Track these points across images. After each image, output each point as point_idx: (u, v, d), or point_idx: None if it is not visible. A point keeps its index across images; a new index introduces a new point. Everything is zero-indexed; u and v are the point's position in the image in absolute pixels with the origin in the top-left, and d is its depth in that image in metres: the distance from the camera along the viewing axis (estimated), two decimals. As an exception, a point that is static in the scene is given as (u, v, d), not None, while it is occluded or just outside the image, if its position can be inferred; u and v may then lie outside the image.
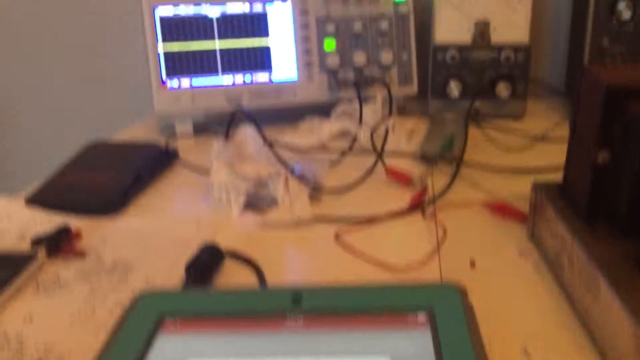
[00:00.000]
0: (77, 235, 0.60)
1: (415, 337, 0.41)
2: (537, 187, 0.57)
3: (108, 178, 0.70)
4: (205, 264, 0.52)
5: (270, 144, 0.67)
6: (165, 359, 0.40)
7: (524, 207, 0.63)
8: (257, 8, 0.92)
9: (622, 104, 0.44)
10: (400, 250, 0.58)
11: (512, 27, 0.92)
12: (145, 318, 0.44)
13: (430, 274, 0.53)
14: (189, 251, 0.55)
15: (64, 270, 0.56)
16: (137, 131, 0.98)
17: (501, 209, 0.64)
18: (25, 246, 0.58)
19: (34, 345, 0.45)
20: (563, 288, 0.50)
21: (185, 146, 0.90)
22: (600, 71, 0.47)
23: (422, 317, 0.43)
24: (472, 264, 0.55)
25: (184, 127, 0.93)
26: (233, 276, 0.55)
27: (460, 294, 0.45)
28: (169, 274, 0.54)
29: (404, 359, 0.39)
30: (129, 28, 1.15)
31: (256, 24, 0.92)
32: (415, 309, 0.43)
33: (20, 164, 1.28)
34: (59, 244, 0.58)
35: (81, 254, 0.58)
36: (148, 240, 0.61)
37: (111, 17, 1.17)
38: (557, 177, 0.73)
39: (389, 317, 0.43)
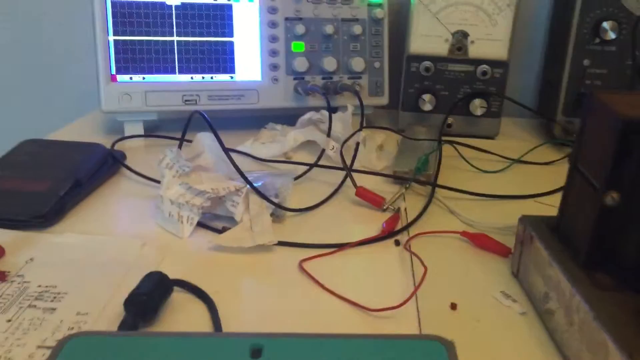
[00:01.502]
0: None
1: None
2: (526, 222, 0.52)
3: (41, 183, 0.61)
4: (149, 297, 0.44)
5: (229, 155, 0.60)
6: None
7: (504, 238, 0.58)
8: (222, 0, 0.84)
9: (637, 145, 0.39)
10: (372, 284, 0.52)
11: (491, 41, 0.88)
12: (72, 369, 0.36)
13: (407, 318, 0.47)
14: (131, 277, 0.48)
15: (-21, 296, 0.47)
16: (81, 130, 0.88)
17: (481, 241, 0.58)
18: None
19: None
20: (555, 340, 0.45)
21: (135, 149, 0.81)
22: (612, 100, 0.42)
23: (403, 379, 0.36)
24: (453, 307, 0.49)
25: (134, 129, 0.85)
26: (181, 309, 0.47)
27: (447, 349, 0.38)
28: (106, 306, 0.46)
29: None
30: (78, 13, 1.05)
31: (219, 18, 0.84)
32: (396, 368, 0.37)
33: None
34: (-25, 263, 0.49)
35: (2, 277, 0.49)
36: (84, 261, 0.52)
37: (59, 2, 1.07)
38: (539, 206, 0.69)
39: (366, 377, 0.37)
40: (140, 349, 0.38)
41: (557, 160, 0.82)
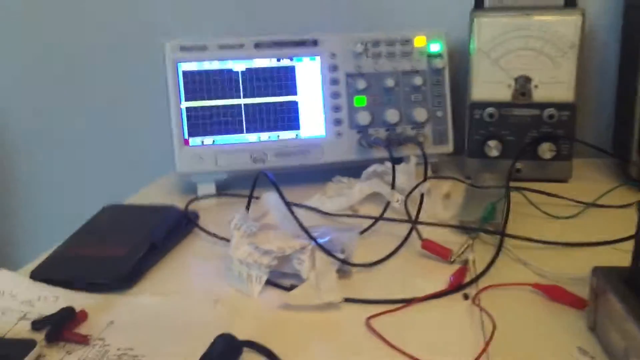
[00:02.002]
0: (83, 316, 0.55)
1: None
2: (599, 273, 0.50)
3: (121, 248, 0.65)
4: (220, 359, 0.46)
5: (294, 214, 0.61)
6: None
7: (580, 289, 0.56)
8: (285, 62, 0.88)
9: None
10: (441, 340, 0.52)
11: (555, 84, 0.86)
12: None
13: (477, 376, 0.46)
14: (205, 338, 0.49)
15: (64, 360, 0.50)
16: (156, 192, 0.93)
17: (555, 293, 0.57)
18: (26, 328, 0.53)
19: None
20: (636, 400, 0.42)
21: (208, 208, 0.85)
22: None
23: None
24: (526, 365, 0.47)
25: (207, 188, 0.88)
26: (251, 371, 0.48)
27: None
28: (181, 367, 0.48)
29: None
30: (152, 83, 1.12)
31: (284, 79, 0.88)
32: None
33: (37, 230, 1.25)
34: (61, 327, 0.52)
35: (84, 341, 0.52)
36: (159, 323, 0.55)
37: (135, 72, 1.14)
38: (616, 253, 0.66)
39: None
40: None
41: (634, 202, 0.79)
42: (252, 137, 0.88)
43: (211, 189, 0.89)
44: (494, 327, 0.51)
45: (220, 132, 0.86)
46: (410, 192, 0.75)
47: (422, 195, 0.74)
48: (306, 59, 0.88)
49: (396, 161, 0.84)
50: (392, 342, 0.51)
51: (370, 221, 0.75)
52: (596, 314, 0.51)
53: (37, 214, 1.25)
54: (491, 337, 0.49)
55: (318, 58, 0.89)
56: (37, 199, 1.24)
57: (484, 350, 0.48)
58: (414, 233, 0.70)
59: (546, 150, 0.88)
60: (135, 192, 0.92)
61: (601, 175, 0.93)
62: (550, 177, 0.89)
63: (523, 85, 0.87)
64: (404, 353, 0.49)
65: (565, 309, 0.55)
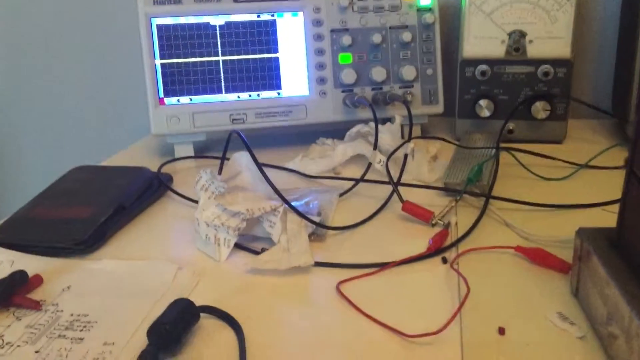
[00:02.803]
0: (37, 280, 0.52)
1: None
2: (583, 236, 0.47)
3: (85, 209, 0.62)
4: (173, 326, 0.43)
5: (264, 173, 0.58)
6: None
7: (566, 252, 0.53)
8: (266, 17, 0.83)
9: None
10: (414, 307, 0.48)
11: (551, 39, 0.82)
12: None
13: (449, 344, 0.43)
14: (162, 305, 0.46)
15: (13, 326, 0.47)
16: (134, 155, 0.90)
17: (538, 257, 0.53)
18: (-23, 293, 0.50)
19: None
20: (618, 369, 0.39)
21: (185, 171, 0.81)
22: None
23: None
24: (502, 332, 0.44)
25: (184, 150, 0.85)
26: (209, 338, 0.45)
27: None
28: (133, 336, 0.45)
29: None
30: (130, 41, 1.08)
31: (264, 35, 0.83)
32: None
33: (10, 193, 1.22)
34: (11, 292, 0.49)
35: (36, 307, 0.49)
36: (118, 288, 0.52)
37: (111, 29, 1.10)
38: (606, 215, 0.62)
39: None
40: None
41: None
42: (232, 96, 0.84)
43: (189, 150, 0.85)
44: (468, 291, 0.47)
45: (197, 91, 0.82)
46: (393, 153, 0.71)
47: (405, 156, 0.70)
48: (288, 14, 0.84)
49: (383, 122, 0.80)
50: (361, 308, 0.48)
51: (352, 183, 0.71)
52: (579, 278, 0.47)
53: (12, 176, 1.22)
54: (463, 302, 0.46)
55: (301, 13, 0.84)
56: (11, 160, 1.21)
57: (453, 316, 0.44)
58: (395, 195, 0.66)
59: (540, 109, 0.83)
60: (112, 156, 0.89)
61: (598, 136, 0.89)
62: (544, 137, 0.85)
63: (517, 40, 0.83)
64: (372, 319, 0.46)
65: (548, 273, 0.52)
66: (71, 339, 0.45)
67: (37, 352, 0.44)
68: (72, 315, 0.48)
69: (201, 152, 0.87)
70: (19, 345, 0.45)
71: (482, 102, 0.85)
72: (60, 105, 1.16)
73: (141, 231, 0.64)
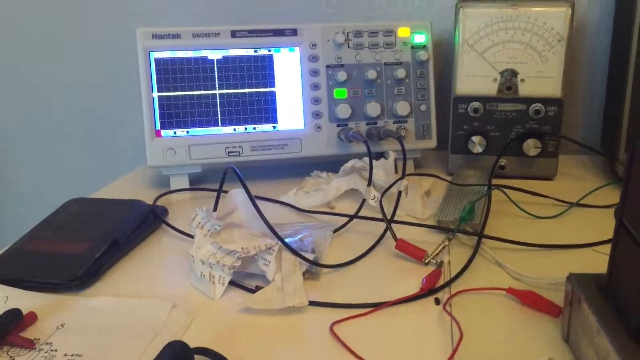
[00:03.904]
0: (30, 318, 0.52)
1: None
2: (574, 280, 0.47)
3: (79, 245, 0.62)
4: (167, 370, 0.43)
5: (261, 212, 0.59)
6: None
7: (557, 295, 0.53)
8: (263, 52, 0.85)
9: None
10: (407, 349, 0.49)
11: (542, 78, 0.83)
12: None
13: (441, 390, 0.44)
14: (157, 344, 0.47)
15: (7, 366, 0.47)
16: (128, 186, 0.90)
17: (529, 299, 0.54)
18: (-30, 331, 0.50)
19: None
20: (608, 418, 0.40)
21: (180, 203, 0.82)
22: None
23: None
24: (494, 377, 0.45)
25: (180, 182, 0.85)
26: (204, 380, 0.46)
27: None
28: (128, 376, 0.45)
29: None
30: (127, 73, 1.09)
31: (261, 69, 0.85)
32: None
33: (3, 226, 1.22)
34: (6, 331, 0.49)
35: (30, 345, 0.49)
36: (113, 326, 0.52)
37: (110, 61, 1.11)
38: (597, 256, 0.63)
39: None
40: None
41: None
42: (228, 129, 0.84)
43: (184, 182, 0.86)
44: (461, 336, 0.48)
45: (194, 124, 0.83)
46: (387, 190, 0.72)
47: (399, 193, 0.71)
48: (285, 50, 0.85)
49: (377, 157, 0.81)
50: (354, 350, 0.48)
51: (346, 219, 0.72)
52: (570, 324, 0.48)
53: (4, 208, 1.22)
54: (457, 347, 0.46)
55: (297, 49, 0.86)
56: (6, 188, 1.21)
57: (452, 355, 0.45)
58: (388, 233, 0.67)
59: (531, 146, 0.85)
60: (105, 186, 0.89)
61: (588, 173, 0.90)
62: (535, 174, 0.86)
63: (509, 79, 0.84)
64: (365, 362, 0.47)
65: (539, 316, 0.53)
66: (65, 380, 0.45)
67: (30, 393, 0.44)
68: (65, 355, 0.48)
69: (196, 183, 0.88)
70: (12, 387, 0.45)
71: (475, 139, 0.86)
72: (56, 133, 1.16)
73: (136, 266, 0.64)
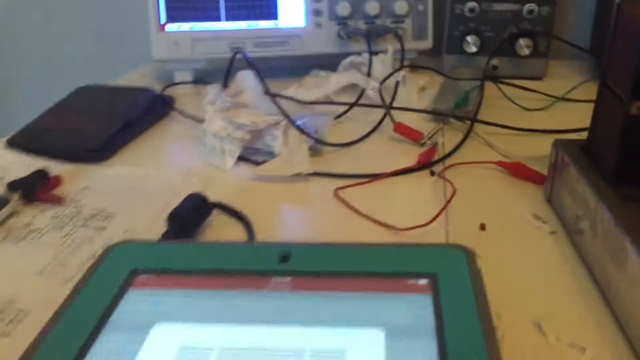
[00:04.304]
0: (57, 181, 0.56)
1: (415, 304, 0.36)
2: (559, 145, 0.52)
3: (95, 123, 0.65)
4: (189, 214, 0.48)
5: (270, 91, 0.62)
6: (130, 321, 0.36)
7: (541, 168, 0.58)
8: (264, -51, 0.86)
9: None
10: (404, 210, 0.54)
11: (537, -22, 0.85)
12: (115, 271, 0.40)
13: (436, 237, 0.49)
14: (175, 202, 0.51)
15: (39, 217, 0.51)
16: (133, 80, 0.93)
17: (516, 169, 0.59)
18: (1, 189, 0.54)
19: (-4, 296, 0.41)
20: (582, 257, 0.45)
21: (184, 96, 0.85)
22: (638, 11, 0.41)
23: (423, 281, 0.38)
24: (482, 228, 0.50)
25: (183, 76, 0.88)
26: (220, 230, 0.50)
27: (468, 257, 0.40)
28: (151, 225, 0.50)
29: (400, 332, 0.34)
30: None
31: (262, -33, 0.86)
32: (416, 272, 0.39)
33: (15, 109, 1.24)
34: (35, 189, 0.53)
35: (58, 201, 0.53)
36: (132, 189, 0.56)
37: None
38: (580, 138, 0.68)
39: (386, 281, 0.38)
40: (179, 254, 0.42)
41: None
42: (230, 25, 0.86)
43: (188, 77, 0.88)
44: (454, 191, 0.53)
45: (197, 19, 0.85)
46: (386, 79, 0.75)
47: (397, 83, 0.75)
48: (286, -55, 0.86)
49: (374, 54, 0.84)
50: (356, 208, 0.53)
51: (345, 109, 0.76)
52: (553, 186, 0.53)
53: (8, 103, 1.24)
54: (450, 199, 0.51)
55: (298, -55, 0.87)
56: (10, 80, 1.23)
57: (441, 210, 0.50)
58: (387, 121, 0.71)
59: (523, 46, 0.88)
60: (114, 79, 0.92)
61: (577, 74, 0.94)
62: (526, 74, 0.90)
63: (505, -22, 0.86)
64: (367, 217, 0.52)
65: (526, 184, 0.58)
66: (94, 227, 0.50)
67: (64, 236, 0.48)
68: (92, 209, 0.53)
69: (198, 79, 0.90)
70: (47, 232, 0.49)
71: (470, 38, 0.89)
72: (58, 29, 1.17)
73: (148, 146, 0.68)
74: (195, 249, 0.43)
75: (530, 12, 0.87)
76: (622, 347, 0.36)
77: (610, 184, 0.43)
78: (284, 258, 0.40)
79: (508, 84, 0.81)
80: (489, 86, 0.81)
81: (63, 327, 0.35)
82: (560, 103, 0.79)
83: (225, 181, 0.59)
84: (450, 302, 0.36)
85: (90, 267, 0.40)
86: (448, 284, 0.38)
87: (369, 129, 0.71)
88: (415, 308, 0.36)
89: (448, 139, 0.68)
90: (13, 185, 0.54)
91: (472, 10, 0.88)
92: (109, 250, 0.42)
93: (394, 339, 0.34)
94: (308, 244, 0.43)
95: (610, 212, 0.40)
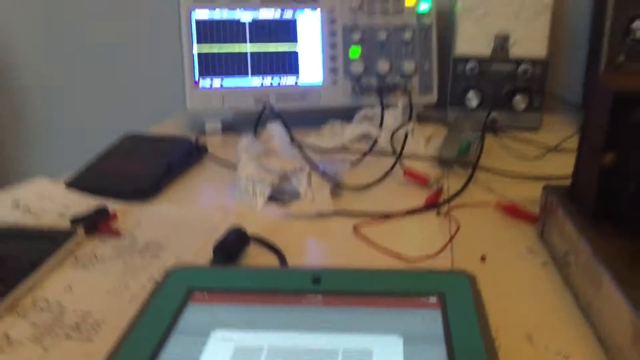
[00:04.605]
0: (113, 216, 0.65)
1: (426, 317, 0.44)
2: (548, 189, 0.60)
3: (142, 167, 0.74)
4: (232, 245, 0.56)
5: (295, 140, 0.71)
6: (193, 328, 0.43)
7: (535, 210, 0.66)
8: (288, 15, 0.96)
9: (629, 108, 0.48)
10: (414, 244, 0.62)
11: (530, 42, 0.96)
12: (175, 289, 0.48)
13: (442, 266, 0.57)
14: (216, 236, 0.59)
15: (101, 247, 0.60)
16: (168, 128, 1.02)
17: (512, 210, 0.67)
18: (65, 225, 0.63)
19: (73, 312, 0.49)
20: (568, 284, 0.53)
21: (214, 143, 0.94)
22: (611, 79, 0.50)
23: (433, 299, 0.46)
24: (483, 259, 0.58)
25: (214, 126, 0.98)
26: (257, 260, 0.58)
27: (470, 281, 0.48)
28: (198, 254, 0.58)
29: (415, 339, 0.42)
30: (165, 30, 1.21)
31: (286, 30, 0.96)
32: (427, 292, 0.47)
33: (57, 156, 1.34)
34: (96, 223, 0.62)
35: (117, 234, 0.62)
36: (178, 224, 0.65)
37: (147, 18, 1.22)
38: (568, 183, 0.76)
39: (402, 298, 0.46)
40: (227, 276, 0.50)
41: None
42: (256, 81, 0.97)
43: (217, 126, 0.98)
44: (458, 227, 0.61)
45: (227, 75, 0.95)
46: (396, 130, 0.84)
47: (406, 133, 0.84)
48: (307, 10, 0.97)
49: (386, 107, 0.93)
50: (374, 242, 0.61)
51: (360, 156, 0.85)
52: (544, 224, 0.61)
53: (49, 150, 1.34)
54: (455, 234, 0.60)
55: (318, 10, 0.98)
56: (48, 133, 1.33)
57: (446, 244, 0.58)
58: (397, 165, 0.80)
59: (519, 101, 0.97)
60: (149, 127, 1.01)
61: (568, 126, 1.03)
62: (522, 126, 0.99)
63: (501, 42, 0.97)
64: (382, 249, 0.60)
65: (521, 223, 0.66)
66: (149, 256, 0.58)
67: (124, 264, 0.57)
68: (146, 240, 0.61)
69: (226, 129, 1.00)
70: (109, 259, 0.57)
71: (471, 94, 0.99)
72: (100, 86, 1.28)
73: (187, 187, 0.77)
74: (241, 272, 0.51)
75: (525, 71, 0.97)
76: (600, 354, 0.44)
77: (590, 222, 0.52)
78: (316, 280, 0.48)
79: (506, 135, 0.91)
80: (489, 137, 0.90)
81: (138, 333, 0.43)
82: (552, 153, 0.88)
83: (257, 219, 0.68)
84: (456, 316, 0.44)
85: (154, 287, 0.48)
86: (454, 301, 0.46)
87: (381, 174, 0.79)
88: (427, 320, 0.44)
89: (452, 184, 0.77)
90: (76, 220, 0.62)
91: (472, 69, 0.98)
92: (168, 273, 0.50)
93: (411, 344, 0.41)
94: (336, 268, 0.51)
95: (589, 245, 0.48)
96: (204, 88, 0.95)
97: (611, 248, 0.47)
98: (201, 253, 0.58)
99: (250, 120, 0.85)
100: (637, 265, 0.45)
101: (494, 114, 0.99)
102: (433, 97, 1.02)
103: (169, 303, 0.46)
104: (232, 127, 1.00)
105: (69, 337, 0.45)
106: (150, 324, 0.44)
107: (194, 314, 0.45)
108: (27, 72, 1.30)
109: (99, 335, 0.46)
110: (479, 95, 0.99)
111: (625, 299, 0.41)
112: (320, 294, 0.47)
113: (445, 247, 0.58)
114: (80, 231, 0.60)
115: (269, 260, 0.58)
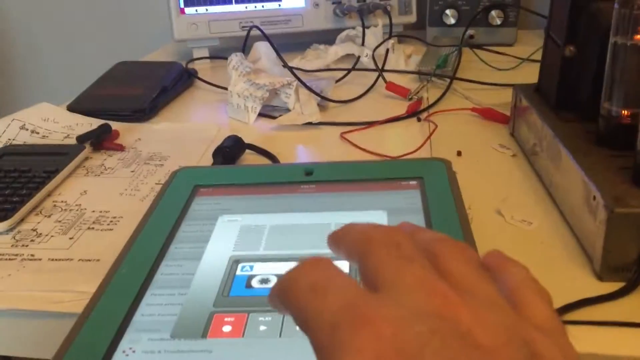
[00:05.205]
0: (115, 134, 0.69)
1: (407, 196, 0.50)
2: (517, 88, 0.66)
3: (138, 89, 0.78)
4: (230, 149, 0.61)
5: (281, 57, 0.75)
6: (201, 214, 0.49)
7: (508, 113, 0.72)
8: (267, -61, 0.98)
9: (586, 4, 0.52)
10: (397, 146, 0.67)
11: (505, -43, 0.99)
12: (183, 186, 0.53)
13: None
14: (213, 147, 0.64)
15: (108, 160, 0.65)
16: (157, 58, 1.05)
17: (486, 113, 0.72)
18: (72, 143, 0.67)
19: (92, 211, 0.55)
20: (535, 170, 0.59)
21: (203, 70, 0.98)
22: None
23: (413, 182, 0.52)
24: (459, 154, 0.63)
25: (201, 54, 1.01)
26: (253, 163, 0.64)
27: (446, 164, 0.53)
28: (199, 162, 0.63)
29: (397, 212, 0.48)
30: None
31: (266, -45, 0.99)
32: (408, 176, 0.52)
33: (50, 85, 1.37)
34: (101, 139, 0.67)
35: (121, 148, 0.66)
36: (177, 138, 0.70)
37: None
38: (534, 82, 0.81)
39: (386, 182, 0.52)
40: (228, 174, 0.55)
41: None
42: (240, 6, 0.99)
43: (205, 53, 1.01)
44: (436, 126, 0.66)
45: (212, 2, 0.98)
46: (377, 47, 0.88)
47: (387, 50, 0.88)
48: (286, -64, 0.99)
49: (367, 27, 0.97)
50: (358, 145, 0.67)
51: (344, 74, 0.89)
52: (514, 121, 0.67)
53: (36, 85, 1.37)
54: (433, 131, 0.65)
55: None
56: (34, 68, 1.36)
57: (425, 140, 0.64)
58: (380, 83, 0.84)
59: (495, 17, 1.01)
60: (140, 57, 1.05)
61: (542, 39, 1.07)
62: (498, 41, 1.03)
63: (477, -42, 1.00)
64: (368, 151, 0.65)
65: (494, 124, 0.71)
66: (154, 165, 0.63)
67: (132, 171, 0.62)
68: (149, 153, 0.66)
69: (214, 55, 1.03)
70: (117, 169, 0.62)
71: (449, 12, 1.03)
72: (86, 16, 1.30)
73: (181, 108, 0.81)
74: (240, 169, 0.57)
75: (500, -13, 1.00)
76: (558, 219, 0.50)
77: (553, 112, 0.57)
78: (308, 173, 0.54)
79: (482, 49, 0.95)
80: (466, 52, 0.94)
81: (154, 221, 0.49)
82: (526, 63, 0.93)
83: (249, 132, 0.72)
84: (433, 194, 0.50)
85: (163, 185, 0.53)
86: (432, 183, 0.51)
87: (365, 89, 0.84)
88: (408, 198, 0.50)
89: (431, 95, 0.81)
90: (82, 138, 0.67)
91: (449, -13, 1.02)
92: (174, 173, 0.55)
93: (394, 216, 0.47)
94: (326, 162, 0.57)
95: (551, 129, 0.54)
96: (190, 15, 0.98)
97: (570, 130, 0.53)
98: (202, 161, 0.63)
99: (237, 48, 0.89)
100: (590, 142, 0.50)
101: (471, 31, 1.03)
102: (412, 17, 1.05)
103: (178, 197, 0.52)
104: (219, 54, 1.03)
105: (92, 229, 0.51)
106: (163, 213, 0.50)
107: (201, 205, 0.51)
108: (17, 5, 1.31)
109: (117, 226, 0.52)
110: (456, 12, 1.03)
111: (577, 165, 0.47)
112: (313, 183, 0.53)
113: (424, 143, 0.63)
114: (88, 146, 0.65)
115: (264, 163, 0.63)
